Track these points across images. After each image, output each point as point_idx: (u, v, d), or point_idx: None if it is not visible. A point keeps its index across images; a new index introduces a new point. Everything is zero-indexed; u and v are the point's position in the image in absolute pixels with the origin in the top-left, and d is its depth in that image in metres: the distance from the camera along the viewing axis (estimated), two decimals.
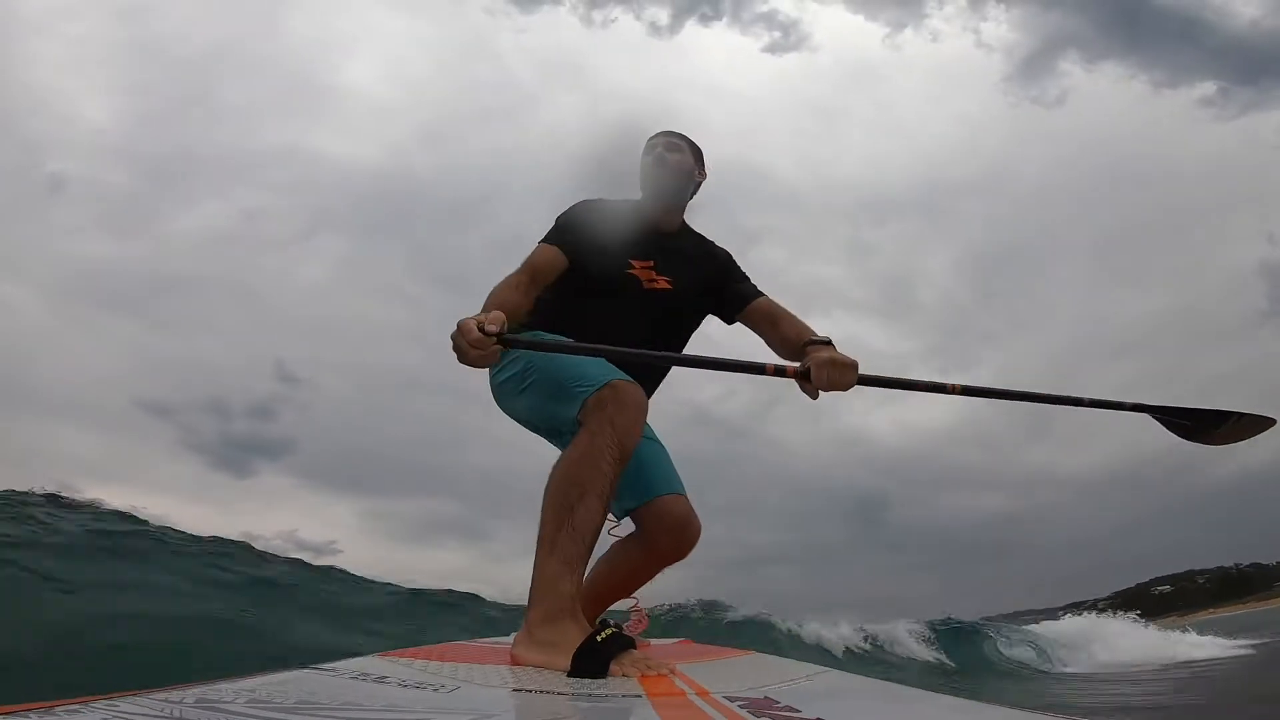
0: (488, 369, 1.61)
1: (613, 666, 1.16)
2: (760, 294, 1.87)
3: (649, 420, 1.59)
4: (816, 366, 1.48)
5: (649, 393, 1.67)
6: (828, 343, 1.61)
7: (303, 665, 0.87)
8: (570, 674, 1.15)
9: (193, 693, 0.60)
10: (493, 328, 1.27)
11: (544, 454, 1.61)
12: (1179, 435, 1.76)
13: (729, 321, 1.89)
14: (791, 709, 0.80)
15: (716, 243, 1.94)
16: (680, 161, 1.83)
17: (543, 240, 1.71)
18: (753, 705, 0.83)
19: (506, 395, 1.67)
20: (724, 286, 1.88)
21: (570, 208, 1.78)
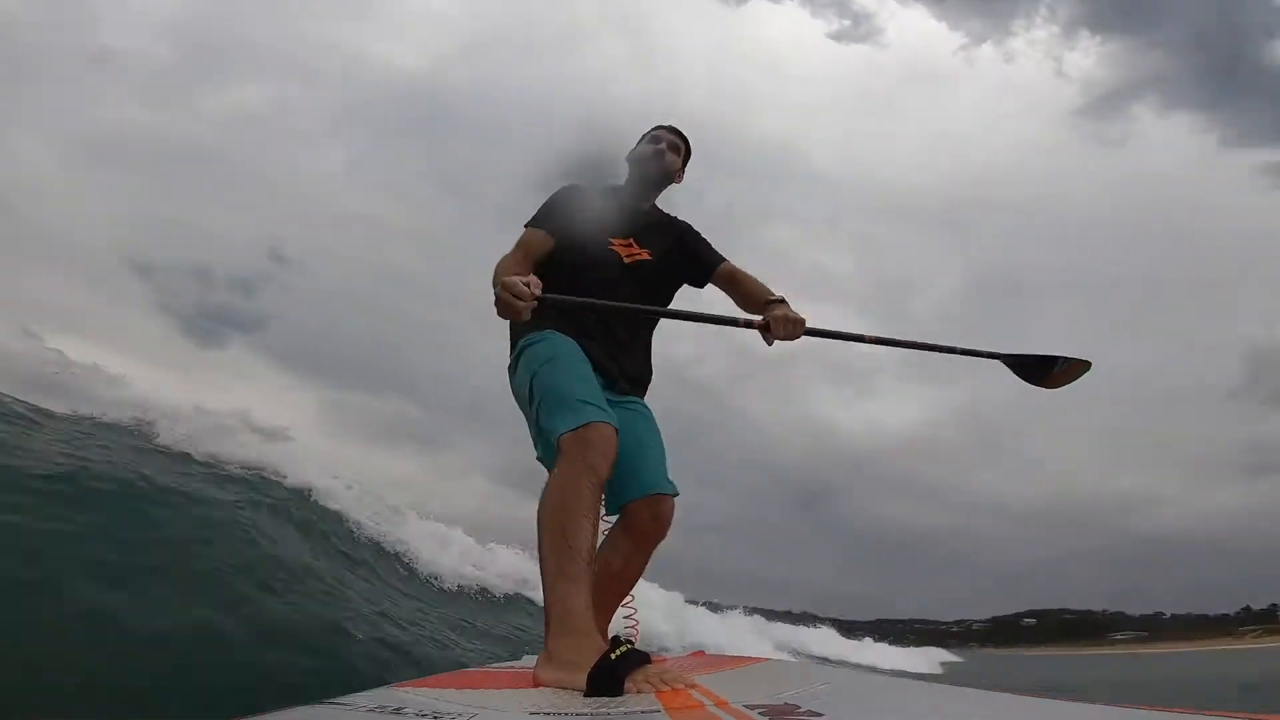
0: (512, 358, 1.84)
1: (628, 683, 1.16)
2: (724, 258, 2.12)
3: (649, 399, 1.98)
4: (774, 320, 1.83)
5: (637, 354, 1.97)
6: (783, 300, 1.91)
7: (316, 701, 0.86)
8: (587, 694, 1.15)
9: None
10: (536, 289, 1.56)
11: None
12: (1023, 378, 2.03)
13: (701, 285, 2.13)
14: (814, 714, 0.79)
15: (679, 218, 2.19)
16: (673, 162, 2.09)
17: (528, 224, 1.93)
18: (774, 712, 0.82)
19: (524, 407, 1.80)
20: (694, 253, 2.12)
21: (554, 193, 1.99)
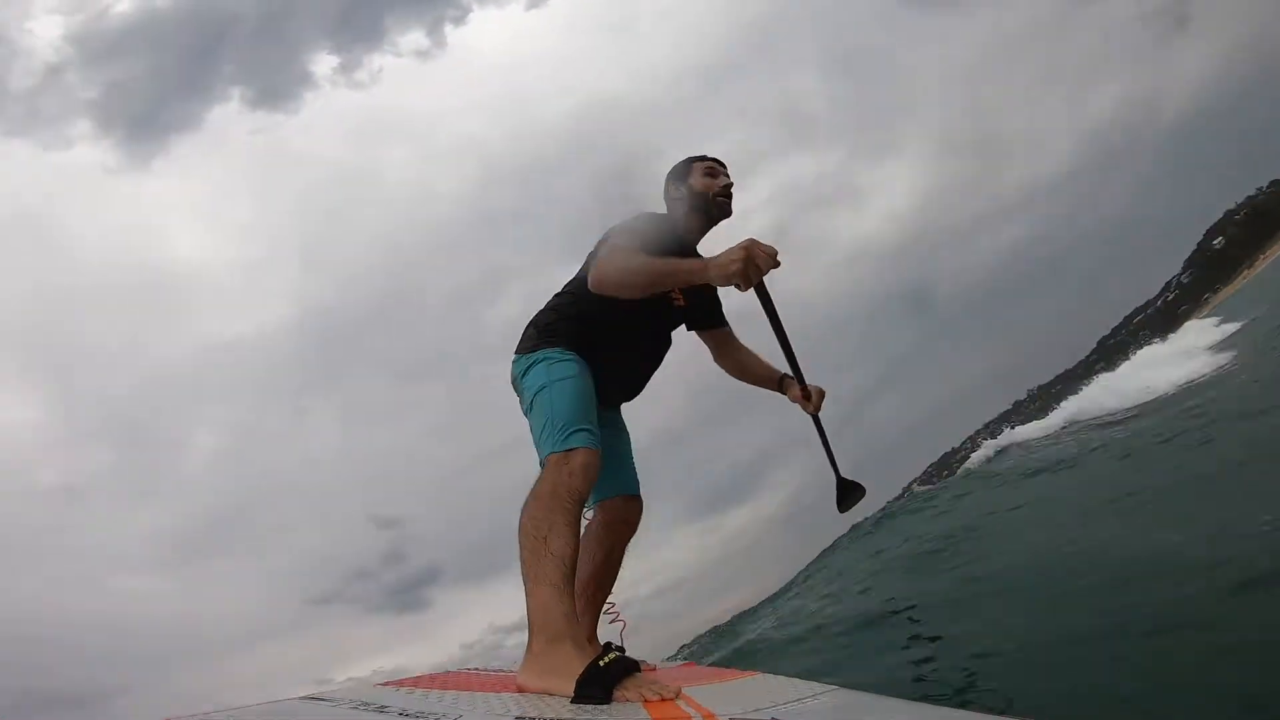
0: (513, 369, 1.84)
1: (617, 692, 1.15)
2: (727, 321, 2.18)
3: (625, 411, 2.08)
4: (818, 395, 2.06)
5: (644, 381, 2.04)
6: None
7: (300, 696, 0.85)
8: (574, 700, 1.13)
9: None
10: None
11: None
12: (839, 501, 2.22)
13: (689, 329, 2.13)
14: None
15: None
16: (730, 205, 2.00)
17: (618, 238, 1.78)
18: None
19: (523, 406, 1.81)
20: (709, 308, 2.13)
21: (638, 216, 1.90)
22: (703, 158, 2.00)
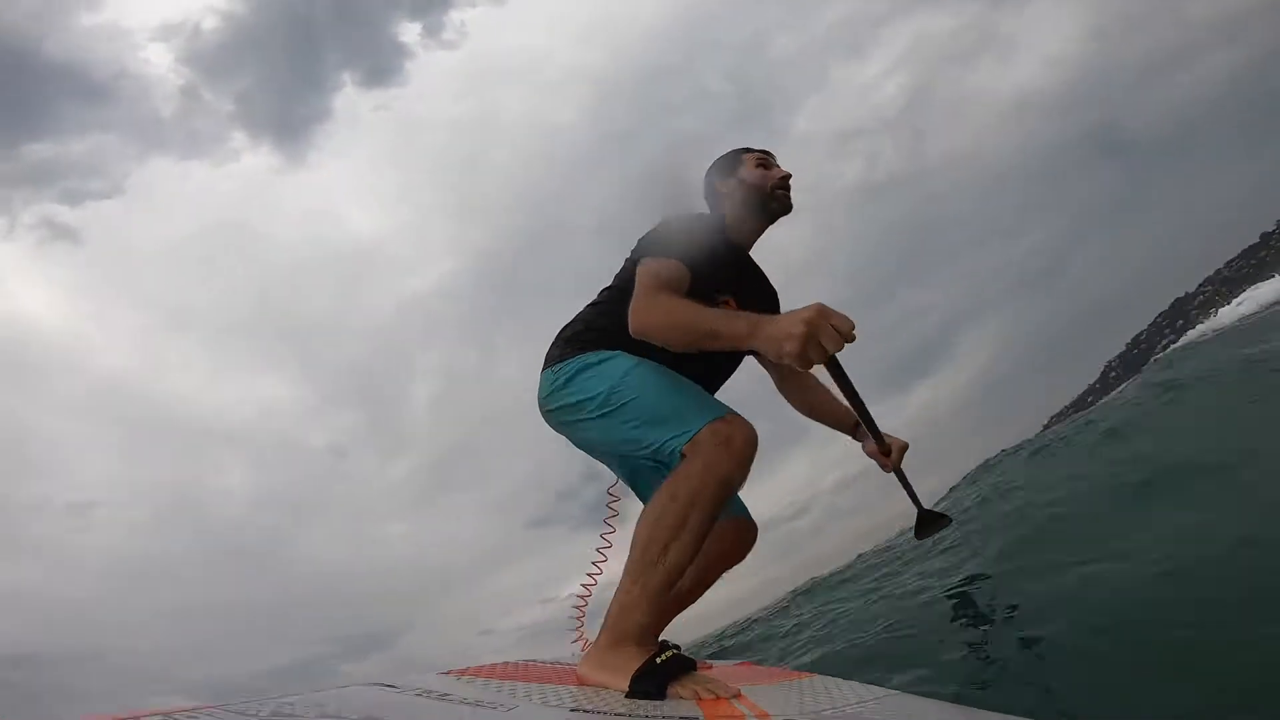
0: (544, 384, 1.58)
1: (672, 688, 1.15)
2: None
3: None
4: (898, 450, 1.82)
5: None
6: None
7: (370, 682, 0.90)
8: (629, 695, 1.15)
9: (269, 704, 0.62)
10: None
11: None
12: (917, 529, 2.14)
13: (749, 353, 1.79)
14: None
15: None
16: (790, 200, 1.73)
17: (660, 254, 1.49)
18: None
19: (574, 417, 1.53)
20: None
21: (677, 220, 1.63)
22: (750, 149, 1.75)
